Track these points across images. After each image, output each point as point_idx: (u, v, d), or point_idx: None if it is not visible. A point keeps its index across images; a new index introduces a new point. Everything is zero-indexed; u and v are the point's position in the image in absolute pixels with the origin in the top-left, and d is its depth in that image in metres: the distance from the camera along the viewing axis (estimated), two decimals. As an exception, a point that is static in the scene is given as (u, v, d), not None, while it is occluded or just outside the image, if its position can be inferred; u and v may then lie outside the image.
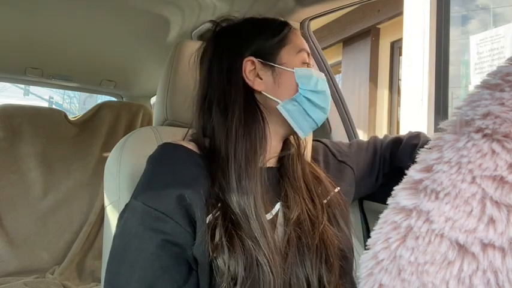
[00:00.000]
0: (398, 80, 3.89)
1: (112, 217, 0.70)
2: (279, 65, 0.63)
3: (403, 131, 3.06)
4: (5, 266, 1.58)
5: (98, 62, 1.70)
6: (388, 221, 0.27)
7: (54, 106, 8.92)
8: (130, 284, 0.48)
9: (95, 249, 1.76)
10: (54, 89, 7.72)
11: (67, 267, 1.65)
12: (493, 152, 0.24)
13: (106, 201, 0.73)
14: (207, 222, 0.52)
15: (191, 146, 0.61)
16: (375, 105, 4.08)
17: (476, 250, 0.23)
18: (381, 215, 0.28)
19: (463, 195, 0.24)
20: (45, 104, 9.76)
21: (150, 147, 0.61)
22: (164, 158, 0.58)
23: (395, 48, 3.94)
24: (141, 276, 0.48)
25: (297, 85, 0.62)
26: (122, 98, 2.33)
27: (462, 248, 0.23)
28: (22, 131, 1.75)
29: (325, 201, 0.64)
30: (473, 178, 0.24)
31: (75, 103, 13.02)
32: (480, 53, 2.52)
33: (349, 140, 1.03)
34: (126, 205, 0.54)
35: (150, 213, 0.51)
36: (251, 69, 0.62)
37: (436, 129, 0.29)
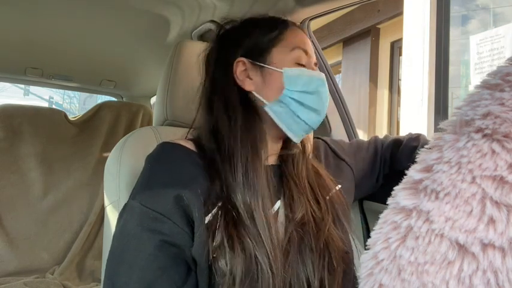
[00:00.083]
0: (398, 80, 3.89)
1: (112, 217, 0.70)
2: (268, 64, 0.62)
3: (403, 131, 3.06)
4: (5, 266, 1.58)
5: (98, 62, 1.70)
6: (388, 221, 0.27)
7: (54, 106, 8.92)
8: (129, 284, 0.48)
9: (95, 249, 1.76)
10: (54, 89, 7.72)
11: (67, 267, 1.65)
12: (493, 152, 0.24)
13: (106, 201, 0.73)
14: (206, 222, 0.52)
15: (190, 145, 0.61)
16: (375, 105, 4.08)
17: (476, 250, 0.23)
18: (381, 215, 0.28)
19: (463, 195, 0.24)
20: (45, 104, 9.76)
21: (150, 147, 0.61)
22: (162, 158, 0.58)
23: (395, 48, 3.94)
24: (140, 277, 0.48)
25: (284, 86, 0.61)
26: (122, 98, 2.33)
27: (462, 248, 0.23)
28: (22, 131, 1.75)
29: (327, 197, 0.64)
30: (473, 178, 0.24)
31: (75, 103, 13.02)
32: (480, 53, 2.52)
33: (349, 140, 1.03)
34: (125, 205, 0.54)
35: (148, 214, 0.50)
36: (242, 69, 0.63)
37: (436, 129, 0.29)
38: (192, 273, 0.51)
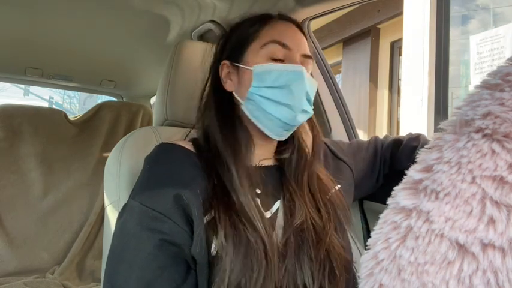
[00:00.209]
0: (398, 80, 3.89)
1: (112, 217, 0.70)
2: (243, 64, 0.63)
3: (403, 131, 3.06)
4: (5, 266, 1.58)
5: (98, 62, 1.70)
6: (388, 221, 0.27)
7: (54, 106, 8.92)
8: (128, 283, 0.48)
9: (95, 249, 1.76)
10: (54, 89, 7.73)
11: (67, 267, 1.65)
12: (493, 152, 0.24)
13: (106, 201, 0.73)
14: (205, 221, 0.52)
15: (188, 145, 0.62)
16: (375, 105, 4.08)
17: (476, 250, 0.23)
18: (381, 215, 0.28)
19: (463, 195, 0.24)
20: (45, 104, 9.75)
21: (150, 147, 0.61)
22: (161, 158, 0.58)
23: (395, 48, 3.94)
24: (139, 276, 0.48)
25: (252, 83, 0.61)
26: (122, 98, 2.33)
27: (462, 248, 0.23)
28: (22, 131, 1.75)
29: (327, 197, 0.64)
30: (473, 178, 0.24)
31: (75, 103, 13.03)
32: (480, 53, 2.52)
33: (349, 140, 1.03)
34: (125, 205, 0.54)
35: (148, 213, 0.51)
36: (226, 72, 0.66)
37: (436, 129, 0.29)
38: (191, 272, 0.51)
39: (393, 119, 3.98)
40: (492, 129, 0.24)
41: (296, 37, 0.64)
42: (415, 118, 2.85)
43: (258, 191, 0.59)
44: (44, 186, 1.74)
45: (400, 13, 3.23)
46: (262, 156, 0.66)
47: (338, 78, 4.48)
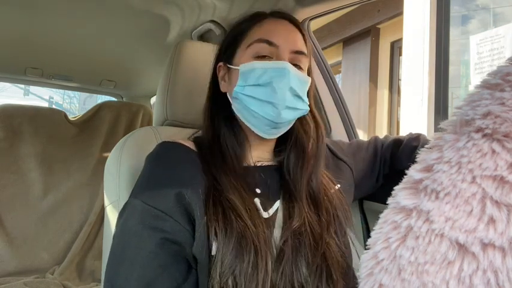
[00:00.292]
0: (398, 80, 3.89)
1: (112, 217, 0.70)
2: (233, 65, 0.64)
3: (403, 131, 3.06)
4: (5, 266, 1.58)
5: (98, 62, 1.70)
6: (388, 220, 0.27)
7: (54, 106, 8.92)
8: (129, 282, 0.48)
9: (95, 249, 1.76)
10: (54, 89, 7.73)
11: (67, 267, 1.65)
12: (493, 151, 0.24)
13: (106, 201, 0.73)
14: (206, 220, 0.52)
15: (190, 144, 0.62)
16: (375, 105, 4.08)
17: (477, 250, 0.23)
18: (381, 215, 0.28)
19: (463, 195, 0.24)
20: (45, 104, 9.75)
21: (150, 147, 0.61)
22: (162, 157, 0.58)
23: (395, 48, 3.94)
24: (140, 275, 0.48)
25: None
26: (122, 98, 2.33)
27: (462, 248, 0.23)
28: (22, 131, 1.75)
29: (326, 197, 0.64)
30: (474, 178, 0.24)
31: (75, 103, 13.03)
32: (480, 53, 2.52)
33: (349, 140, 1.03)
34: (125, 204, 0.54)
35: (150, 212, 0.51)
36: (222, 73, 0.67)
37: (436, 129, 0.29)
38: (192, 271, 0.51)
39: (393, 119, 3.98)
40: (492, 129, 0.24)
41: (286, 33, 0.63)
42: (415, 118, 2.85)
43: (258, 191, 0.59)
44: (44, 186, 1.74)
45: (400, 13, 3.23)
46: (259, 156, 0.66)
47: (338, 78, 4.48)
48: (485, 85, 0.26)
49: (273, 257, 0.54)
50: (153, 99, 2.28)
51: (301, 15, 0.98)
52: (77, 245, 1.71)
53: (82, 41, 1.40)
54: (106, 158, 0.75)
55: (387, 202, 0.28)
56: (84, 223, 1.77)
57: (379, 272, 0.26)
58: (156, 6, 1.09)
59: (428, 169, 0.26)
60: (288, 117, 0.61)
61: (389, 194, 0.28)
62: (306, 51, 0.64)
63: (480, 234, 0.23)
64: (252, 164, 0.63)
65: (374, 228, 0.28)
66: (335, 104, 1.12)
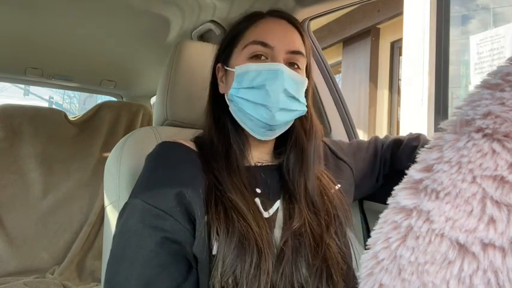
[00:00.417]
0: (398, 80, 3.89)
1: (112, 217, 0.70)
2: (230, 66, 0.64)
3: (403, 131, 3.06)
4: (5, 266, 1.58)
5: (98, 62, 1.70)
6: (388, 220, 0.27)
7: (54, 106, 8.92)
8: (129, 281, 0.48)
9: (95, 249, 1.76)
10: (54, 89, 7.73)
11: (67, 267, 1.65)
12: (494, 151, 0.24)
13: (106, 201, 0.73)
14: (206, 219, 0.53)
15: (190, 144, 0.62)
16: (375, 105, 4.08)
17: (477, 250, 0.23)
18: (381, 215, 0.28)
19: (464, 195, 0.24)
20: (45, 104, 9.75)
21: (150, 147, 0.61)
22: (162, 157, 0.58)
23: (395, 48, 3.94)
24: (140, 274, 0.48)
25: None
26: (122, 98, 2.33)
27: (462, 248, 0.23)
28: (22, 131, 1.75)
29: (326, 197, 0.64)
30: (474, 178, 0.24)
31: (75, 103, 13.03)
32: (480, 53, 2.52)
33: (349, 140, 1.03)
34: (126, 204, 0.54)
35: (150, 211, 0.51)
36: (221, 75, 0.67)
37: (436, 129, 0.29)
38: (192, 271, 0.51)
39: (393, 119, 3.98)
40: (492, 129, 0.24)
41: (282, 33, 0.63)
42: (415, 118, 2.85)
43: (259, 191, 0.59)
44: (44, 187, 1.74)
45: (400, 13, 3.23)
46: (259, 156, 0.66)
47: (338, 78, 4.48)
48: (485, 85, 0.26)
49: (274, 257, 0.54)
50: (153, 99, 2.28)
51: (301, 15, 0.98)
52: (77, 245, 1.71)
53: (82, 41, 1.40)
54: (106, 158, 0.75)
55: (387, 202, 0.28)
56: (84, 223, 1.77)
57: (379, 272, 0.26)
58: (156, 6, 1.09)
59: (429, 169, 0.26)
60: (283, 119, 0.60)
61: (389, 194, 0.28)
62: (303, 51, 0.64)
63: (480, 234, 0.23)
64: (253, 164, 0.63)
65: (374, 228, 0.28)
66: (335, 104, 1.12)
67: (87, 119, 1.95)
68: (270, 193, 0.61)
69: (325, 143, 0.78)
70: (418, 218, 0.25)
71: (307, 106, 0.65)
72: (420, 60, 2.78)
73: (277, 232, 0.58)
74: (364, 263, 0.27)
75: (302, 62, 0.64)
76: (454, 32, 2.82)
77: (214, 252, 0.51)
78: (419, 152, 0.28)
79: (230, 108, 0.64)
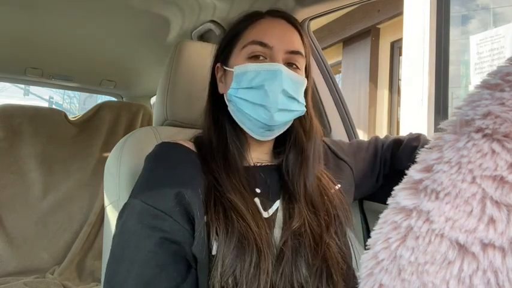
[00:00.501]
0: (398, 80, 3.89)
1: (112, 217, 0.70)
2: (229, 66, 0.64)
3: (403, 131, 3.06)
4: (5, 266, 1.58)
5: (98, 62, 1.70)
6: (388, 221, 0.27)
7: (54, 106, 8.92)
8: (127, 281, 0.48)
9: (95, 249, 1.76)
10: (54, 89, 7.72)
11: (67, 267, 1.65)
12: (493, 152, 0.24)
13: (106, 201, 0.73)
14: (206, 220, 0.53)
15: (190, 145, 0.62)
16: (375, 105, 4.08)
17: (477, 250, 0.23)
18: (381, 215, 0.28)
19: (463, 195, 0.24)
20: (45, 104, 9.74)
21: (150, 147, 0.61)
22: (162, 157, 0.59)
23: (395, 48, 3.94)
24: (139, 274, 0.48)
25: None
26: (122, 98, 2.33)
27: (462, 248, 0.23)
28: (22, 131, 1.75)
29: (326, 197, 0.64)
30: (474, 178, 0.24)
31: (75, 103, 13.03)
32: (480, 53, 2.52)
33: (349, 140, 1.03)
34: (125, 204, 0.54)
35: (149, 212, 0.51)
36: (220, 75, 0.67)
37: (436, 129, 0.29)
38: (192, 271, 0.51)
39: (393, 119, 3.98)
40: (492, 129, 0.24)
41: (281, 33, 0.62)
42: (415, 118, 2.85)
43: (258, 191, 0.59)
44: (44, 187, 1.74)
45: (400, 13, 3.23)
46: (258, 156, 0.66)
47: (338, 78, 4.48)
48: (485, 85, 0.26)
49: (273, 257, 0.54)
50: (153, 99, 2.28)
51: (301, 15, 0.98)
52: (77, 245, 1.71)
53: (82, 41, 1.40)
54: (106, 158, 0.75)
55: (387, 202, 0.28)
56: (84, 223, 1.77)
57: (379, 272, 0.26)
58: (156, 6, 1.09)
59: (428, 169, 0.26)
60: (282, 120, 0.60)
61: (389, 194, 0.28)
62: (302, 51, 0.64)
63: (480, 234, 0.23)
64: (252, 164, 0.63)
65: (374, 228, 0.28)
66: (335, 104, 1.12)
67: (87, 119, 1.95)
68: (270, 193, 0.61)
69: (325, 142, 0.78)
70: (418, 218, 0.25)
71: (306, 106, 0.65)
72: (420, 60, 2.78)
73: (277, 232, 0.58)
74: (364, 263, 0.27)
75: (301, 62, 0.64)
76: (454, 32, 2.82)
77: (213, 252, 0.51)
78: (419, 152, 0.28)
79: (229, 108, 0.64)
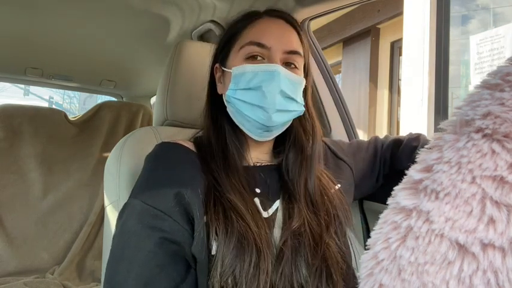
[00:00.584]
0: (398, 80, 3.89)
1: (112, 217, 0.70)
2: (227, 67, 0.64)
3: (403, 131, 3.06)
4: (5, 266, 1.58)
5: (98, 62, 1.70)
6: (388, 221, 0.27)
7: (54, 106, 8.92)
8: (127, 281, 0.48)
9: (95, 249, 1.76)
10: (54, 89, 7.72)
11: (67, 267, 1.65)
12: (493, 152, 0.24)
13: (106, 201, 0.73)
14: (205, 220, 0.53)
15: (189, 145, 0.62)
16: (375, 105, 4.08)
17: (476, 250, 0.23)
18: (381, 215, 0.28)
19: (463, 195, 0.24)
20: (45, 104, 9.75)
21: (150, 147, 0.61)
22: (162, 157, 0.59)
23: (395, 48, 3.94)
24: (139, 274, 0.48)
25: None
26: (122, 98, 2.33)
27: (462, 248, 0.23)
28: (22, 131, 1.75)
29: (326, 197, 0.64)
30: (473, 178, 0.24)
31: (75, 103, 13.03)
32: (480, 53, 2.52)
33: (349, 140, 1.03)
34: (125, 204, 0.54)
35: (149, 212, 0.51)
36: (218, 75, 0.67)
37: (436, 129, 0.29)
38: (191, 271, 0.51)
39: (393, 119, 3.98)
40: (492, 129, 0.24)
41: (279, 33, 0.62)
42: (415, 118, 2.85)
43: (258, 191, 0.59)
44: (44, 186, 1.74)
45: (400, 13, 3.23)
46: (258, 156, 0.66)
47: (338, 78, 4.48)
48: (485, 85, 0.26)
49: (273, 257, 0.54)
50: (153, 99, 2.28)
51: (301, 15, 0.98)
52: (77, 245, 1.71)
53: (82, 41, 1.40)
54: (106, 158, 0.75)
55: (387, 202, 0.28)
56: (84, 223, 1.77)
57: (379, 272, 0.26)
58: (156, 6, 1.09)
59: (428, 169, 0.26)
60: (280, 120, 0.60)
61: (389, 194, 0.28)
62: (301, 51, 0.63)
63: (480, 234, 0.23)
64: (252, 164, 0.63)
65: (374, 228, 0.28)
66: (335, 104, 1.12)
67: (87, 119, 1.95)
68: (270, 193, 0.61)
69: (325, 143, 0.78)
70: (418, 219, 0.25)
71: (306, 105, 0.65)
72: (420, 60, 2.78)
73: (277, 232, 0.57)
74: (364, 263, 0.27)
75: (299, 62, 0.64)
76: (454, 32, 2.82)
77: (213, 252, 0.51)
78: (419, 152, 0.28)
79: (228, 110, 0.64)
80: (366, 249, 0.28)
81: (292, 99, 0.61)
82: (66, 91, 9.51)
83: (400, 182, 0.28)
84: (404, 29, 3.04)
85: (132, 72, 1.85)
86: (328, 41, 4.39)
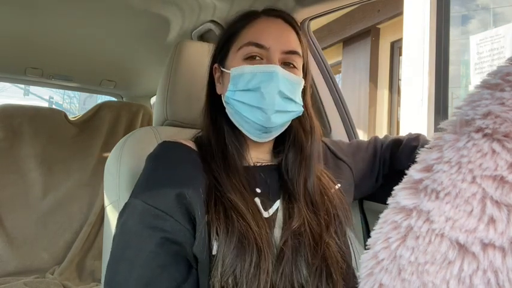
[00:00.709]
0: (398, 80, 3.89)
1: (112, 217, 0.70)
2: (226, 67, 0.64)
3: (403, 131, 3.06)
4: (5, 266, 1.58)
5: (98, 62, 1.70)
6: (388, 220, 0.27)
7: (54, 106, 8.92)
8: (128, 281, 0.48)
9: (95, 249, 1.76)
10: (54, 89, 7.72)
11: (67, 267, 1.65)
12: (493, 151, 0.24)
13: (106, 201, 0.73)
14: (207, 219, 0.53)
15: (191, 144, 0.62)
16: (375, 105, 4.08)
17: (477, 250, 0.23)
18: (381, 215, 0.28)
19: (463, 195, 0.24)
20: (45, 104, 9.75)
21: (150, 147, 0.61)
22: (163, 157, 0.58)
23: (395, 48, 3.94)
24: (140, 274, 0.48)
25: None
26: (122, 98, 2.33)
27: (462, 248, 0.23)
28: (22, 131, 1.75)
29: (326, 197, 0.64)
30: (474, 178, 0.24)
31: (75, 103, 13.03)
32: (480, 53, 2.52)
33: (349, 140, 1.03)
34: (126, 204, 0.54)
35: (150, 212, 0.51)
36: (217, 75, 0.67)
37: (436, 129, 0.29)
38: (192, 271, 0.51)
39: (393, 119, 3.98)
40: (492, 129, 0.24)
41: (278, 33, 0.62)
42: (415, 118, 2.85)
43: (258, 191, 0.59)
44: (44, 187, 1.74)
45: (400, 13, 3.23)
46: (258, 156, 0.66)
47: (338, 78, 4.48)
48: (485, 85, 0.26)
49: (274, 257, 0.54)
50: (153, 99, 2.28)
51: (301, 15, 0.98)
52: (77, 245, 1.71)
53: (82, 41, 1.40)
54: (106, 158, 0.75)
55: (387, 202, 0.28)
56: (84, 223, 1.77)
57: (379, 272, 0.26)
58: (156, 6, 1.09)
59: (428, 169, 0.26)
60: (279, 121, 0.60)
61: (389, 194, 0.28)
62: (300, 51, 0.63)
63: (480, 234, 0.23)
64: (252, 164, 0.63)
65: (374, 228, 0.28)
66: (335, 104, 1.12)
67: (87, 119, 1.95)
68: (270, 193, 0.61)
69: (324, 143, 0.78)
70: (418, 218, 0.25)
71: (305, 105, 0.65)
72: (420, 60, 2.78)
73: (277, 232, 0.58)
74: (364, 263, 0.27)
75: (298, 62, 0.63)
76: (454, 32, 2.82)
77: (214, 252, 0.51)
78: (419, 152, 0.28)
79: (227, 111, 0.64)
80: (366, 249, 0.28)
81: (291, 99, 0.61)
82: (66, 91, 9.51)
83: (400, 182, 0.28)
84: (404, 29, 3.04)
85: (132, 72, 1.85)
86: (328, 41, 4.39)
